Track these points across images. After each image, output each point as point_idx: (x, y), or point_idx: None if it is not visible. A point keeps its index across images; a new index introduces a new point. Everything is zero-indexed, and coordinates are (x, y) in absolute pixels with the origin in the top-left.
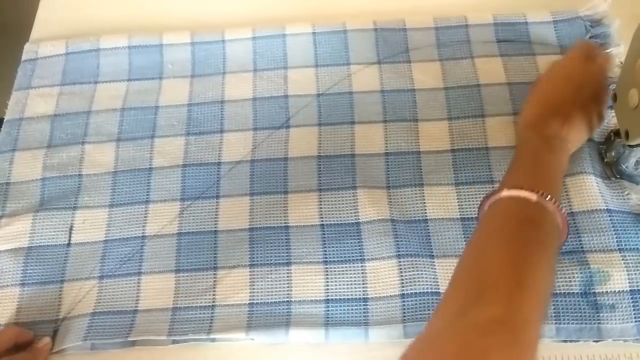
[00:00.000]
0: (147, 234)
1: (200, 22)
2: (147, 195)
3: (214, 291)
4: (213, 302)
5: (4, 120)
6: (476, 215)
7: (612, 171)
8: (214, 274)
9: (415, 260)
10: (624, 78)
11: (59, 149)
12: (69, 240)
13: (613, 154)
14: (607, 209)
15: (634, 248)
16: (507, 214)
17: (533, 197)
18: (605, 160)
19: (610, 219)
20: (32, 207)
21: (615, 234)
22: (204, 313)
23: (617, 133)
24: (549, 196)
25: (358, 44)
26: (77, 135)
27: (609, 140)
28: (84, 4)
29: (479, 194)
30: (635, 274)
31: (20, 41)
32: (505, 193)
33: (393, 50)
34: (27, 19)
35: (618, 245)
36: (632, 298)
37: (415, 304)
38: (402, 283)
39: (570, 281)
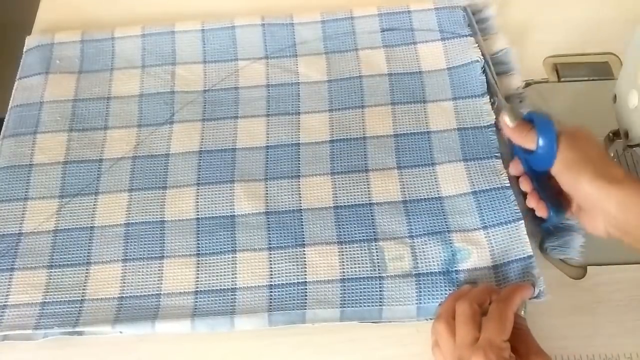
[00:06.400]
0: (23, 231)
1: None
2: (26, 192)
3: (84, 286)
4: (83, 296)
5: None
6: (349, 204)
7: None
8: (86, 269)
9: (286, 252)
10: (624, 79)
11: None
12: None
13: (612, 154)
14: (472, 191)
15: (497, 224)
16: None
17: None
18: None
19: (476, 200)
20: None
21: (479, 214)
22: (72, 307)
23: (616, 133)
24: None
25: (246, 40)
26: None
27: (608, 140)
28: (85, 4)
29: (353, 182)
30: (497, 250)
31: (21, 41)
32: None
33: (280, 44)
34: (27, 19)
35: (482, 224)
36: (494, 273)
37: (282, 294)
38: (271, 274)
39: (433, 261)
